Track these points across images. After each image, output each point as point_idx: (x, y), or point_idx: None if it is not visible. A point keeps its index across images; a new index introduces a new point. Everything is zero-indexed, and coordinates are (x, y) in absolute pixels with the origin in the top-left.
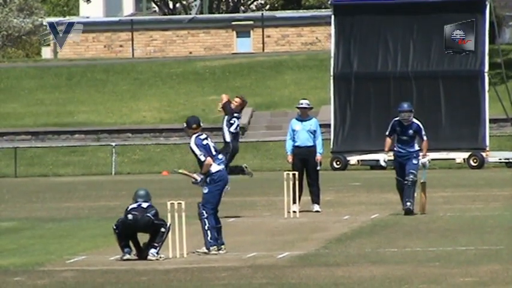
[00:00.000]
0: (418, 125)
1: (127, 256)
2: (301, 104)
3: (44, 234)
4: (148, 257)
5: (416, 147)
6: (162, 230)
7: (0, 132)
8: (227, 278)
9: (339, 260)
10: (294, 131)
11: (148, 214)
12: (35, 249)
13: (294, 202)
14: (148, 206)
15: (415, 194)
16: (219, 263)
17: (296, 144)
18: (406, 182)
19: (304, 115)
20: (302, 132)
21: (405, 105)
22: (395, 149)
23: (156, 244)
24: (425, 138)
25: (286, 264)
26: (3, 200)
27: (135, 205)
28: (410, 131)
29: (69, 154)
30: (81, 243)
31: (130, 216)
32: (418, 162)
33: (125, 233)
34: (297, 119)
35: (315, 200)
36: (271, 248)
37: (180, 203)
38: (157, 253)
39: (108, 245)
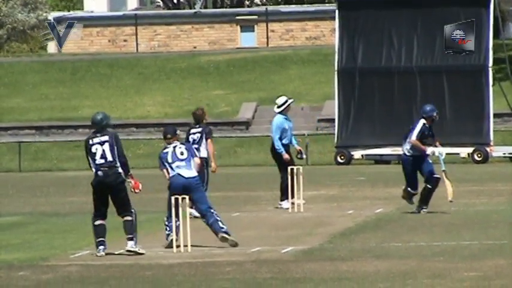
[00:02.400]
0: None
1: (101, 253)
2: (288, 101)
3: (48, 229)
4: (127, 248)
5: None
6: (128, 218)
7: (5, 127)
8: (231, 272)
9: (343, 255)
10: (285, 129)
11: (119, 169)
12: (39, 243)
13: (293, 197)
14: (114, 154)
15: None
16: (224, 257)
17: (285, 142)
18: (431, 184)
19: (287, 113)
20: (289, 131)
21: (430, 106)
22: (409, 154)
23: (130, 236)
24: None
25: (291, 259)
26: (7, 195)
27: (102, 160)
28: (431, 132)
29: (74, 149)
30: (86, 237)
31: (100, 173)
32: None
33: (100, 194)
34: (285, 118)
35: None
36: (276, 242)
37: (184, 198)
38: (135, 244)
39: (112, 240)
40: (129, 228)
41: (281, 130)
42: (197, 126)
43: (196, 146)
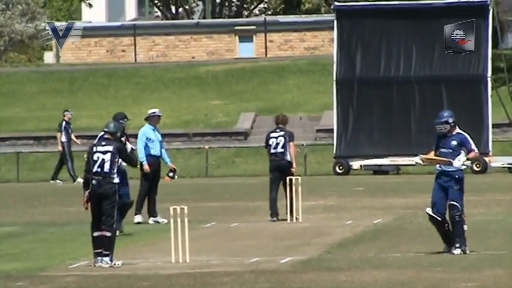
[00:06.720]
0: (464, 135)
1: (99, 264)
2: (155, 112)
3: (46, 239)
4: (101, 265)
5: (458, 165)
6: (108, 234)
7: (3, 137)
8: (229, 283)
9: (341, 265)
10: (150, 140)
11: (114, 180)
12: (37, 253)
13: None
14: (111, 161)
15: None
16: (222, 267)
17: (154, 153)
18: (452, 217)
19: (156, 123)
20: (157, 142)
21: (444, 114)
22: (437, 167)
23: (106, 252)
24: (475, 150)
25: (289, 269)
26: (5, 205)
27: (98, 169)
28: (454, 143)
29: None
30: (84, 247)
31: (94, 182)
32: (462, 187)
33: (94, 204)
34: (152, 128)
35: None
36: (274, 252)
37: (183, 208)
38: (110, 260)
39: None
40: (107, 244)
41: (146, 139)
42: (277, 130)
43: (282, 150)
